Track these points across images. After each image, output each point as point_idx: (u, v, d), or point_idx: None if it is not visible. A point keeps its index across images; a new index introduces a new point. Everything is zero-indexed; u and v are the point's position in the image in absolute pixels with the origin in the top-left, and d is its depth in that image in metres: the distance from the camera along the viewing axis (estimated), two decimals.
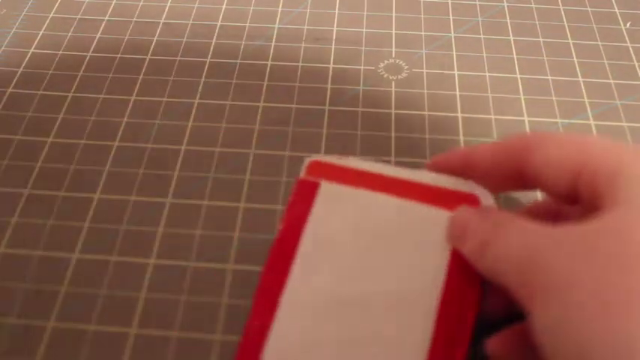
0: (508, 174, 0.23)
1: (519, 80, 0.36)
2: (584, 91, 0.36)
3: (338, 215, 0.25)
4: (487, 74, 0.36)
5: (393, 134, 0.33)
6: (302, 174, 0.26)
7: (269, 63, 0.37)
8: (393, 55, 0.38)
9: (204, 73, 0.37)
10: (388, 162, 0.32)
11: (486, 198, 0.25)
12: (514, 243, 0.20)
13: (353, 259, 0.24)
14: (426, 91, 0.36)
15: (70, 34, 0.39)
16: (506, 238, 0.20)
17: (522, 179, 0.23)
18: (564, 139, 0.21)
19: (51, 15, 0.41)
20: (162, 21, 0.40)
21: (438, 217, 0.25)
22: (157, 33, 0.39)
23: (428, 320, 0.23)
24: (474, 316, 0.23)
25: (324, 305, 0.23)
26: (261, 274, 0.24)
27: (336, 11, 0.41)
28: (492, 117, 0.34)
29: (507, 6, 0.41)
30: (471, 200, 0.25)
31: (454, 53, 0.38)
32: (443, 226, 0.24)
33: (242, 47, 0.38)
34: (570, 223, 0.19)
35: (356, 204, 0.25)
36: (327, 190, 0.26)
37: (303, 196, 0.26)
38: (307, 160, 0.26)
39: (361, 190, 0.26)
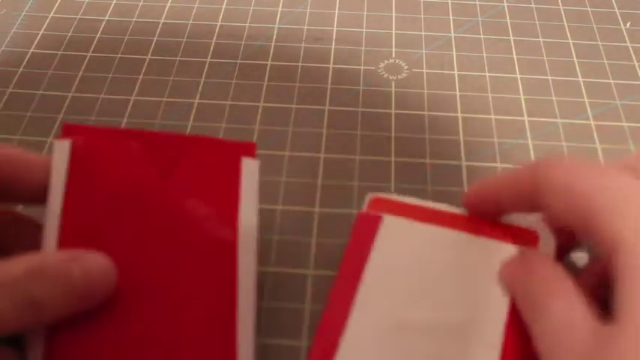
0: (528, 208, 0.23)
1: (519, 80, 0.36)
2: (584, 91, 0.36)
3: (401, 247, 0.26)
4: (487, 74, 0.36)
5: (393, 134, 0.33)
6: (364, 209, 0.27)
7: (269, 63, 0.37)
8: (393, 55, 0.38)
9: (204, 73, 0.37)
10: (388, 162, 0.32)
11: (546, 234, 0.25)
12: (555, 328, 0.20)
13: (416, 288, 0.25)
14: (426, 91, 0.36)
15: (70, 34, 0.39)
16: (549, 317, 0.20)
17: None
18: (570, 185, 0.21)
19: (51, 15, 0.41)
20: (162, 21, 0.40)
21: (499, 249, 0.25)
22: (157, 33, 0.39)
23: (493, 353, 0.23)
24: None
25: (386, 334, 0.24)
26: (327, 303, 0.25)
27: (336, 11, 0.41)
28: (492, 117, 0.34)
29: (507, 6, 0.41)
30: (532, 237, 0.25)
31: (454, 53, 0.38)
32: (504, 258, 0.25)
33: (242, 47, 0.38)
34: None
35: (418, 236, 0.26)
36: (390, 223, 0.26)
37: (366, 229, 0.26)
38: (369, 197, 0.27)
39: (423, 223, 0.26)
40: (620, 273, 0.19)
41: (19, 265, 0.19)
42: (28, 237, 0.23)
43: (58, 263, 0.20)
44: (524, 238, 0.25)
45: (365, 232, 0.26)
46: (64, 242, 0.22)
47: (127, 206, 0.23)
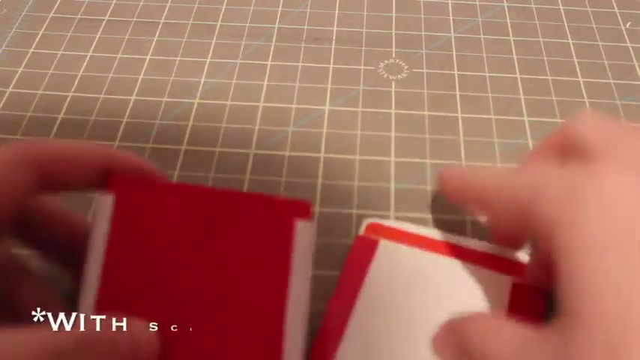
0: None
1: (519, 80, 0.36)
2: (584, 91, 0.36)
3: (395, 271, 0.27)
4: (487, 74, 0.36)
5: (393, 134, 0.33)
6: (361, 233, 0.28)
7: (269, 63, 0.37)
8: (393, 55, 0.38)
9: (204, 74, 0.37)
10: (388, 162, 0.32)
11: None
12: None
13: (409, 311, 0.25)
14: (426, 91, 0.36)
15: (70, 34, 0.39)
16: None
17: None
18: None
19: (51, 15, 0.41)
20: (162, 21, 0.40)
21: (489, 277, 0.26)
22: (157, 33, 0.39)
23: None
24: None
25: (379, 354, 0.24)
26: (323, 320, 0.25)
27: (336, 11, 0.41)
28: (492, 117, 0.34)
29: (507, 6, 0.41)
30: (518, 268, 0.26)
31: (454, 53, 0.38)
32: (493, 284, 0.26)
33: (242, 47, 0.38)
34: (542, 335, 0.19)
35: (412, 261, 0.27)
36: (386, 247, 0.27)
37: (363, 252, 0.27)
38: (366, 222, 0.28)
39: (417, 249, 0.27)
40: (559, 257, 0.19)
41: (68, 336, 0.18)
42: (25, 285, 0.23)
43: (107, 335, 0.19)
44: (512, 268, 0.26)
45: (362, 254, 0.27)
46: (101, 304, 0.21)
47: (168, 268, 0.21)
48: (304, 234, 0.22)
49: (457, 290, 0.26)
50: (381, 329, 0.25)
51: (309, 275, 0.22)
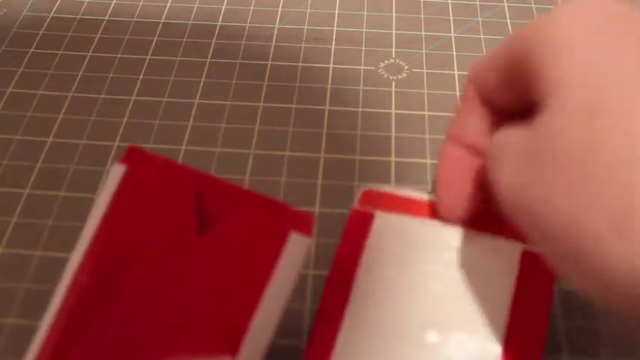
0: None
1: None
2: None
3: (394, 246, 0.25)
4: None
5: (393, 134, 0.33)
6: (356, 203, 0.26)
7: (269, 63, 0.37)
8: (393, 55, 0.38)
9: (204, 73, 0.37)
10: (388, 162, 0.32)
11: None
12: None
13: (410, 291, 0.24)
14: (426, 91, 0.36)
15: (70, 34, 0.39)
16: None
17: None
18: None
19: (51, 15, 0.41)
20: (162, 21, 0.40)
21: (499, 245, 0.24)
22: (157, 33, 0.39)
23: (494, 350, 0.22)
24: (542, 349, 0.22)
25: (379, 339, 0.23)
26: (320, 304, 0.24)
27: (336, 11, 0.41)
28: None
29: (507, 6, 0.41)
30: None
31: (454, 53, 0.38)
32: (503, 253, 0.24)
33: (242, 47, 0.38)
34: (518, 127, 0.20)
35: (412, 233, 0.25)
36: (383, 220, 0.25)
37: (358, 226, 0.25)
38: (360, 190, 0.26)
39: (418, 219, 0.25)
40: (536, 68, 0.19)
41: None
42: None
43: None
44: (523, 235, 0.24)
45: (357, 230, 0.25)
46: (82, 269, 0.21)
47: (151, 254, 0.21)
48: (295, 247, 0.21)
49: (464, 263, 0.24)
50: (380, 319, 0.23)
51: (288, 291, 0.21)
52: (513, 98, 0.22)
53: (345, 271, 0.24)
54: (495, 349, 0.22)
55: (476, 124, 0.23)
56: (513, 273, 0.24)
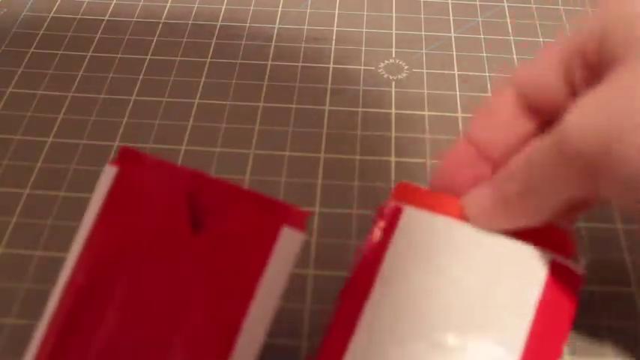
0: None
1: None
2: None
3: (421, 245, 0.24)
4: (487, 74, 0.36)
5: (393, 134, 0.33)
6: (389, 198, 0.25)
7: (269, 63, 0.37)
8: (393, 55, 0.38)
9: (204, 73, 0.37)
10: (388, 162, 0.32)
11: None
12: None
13: (435, 285, 0.23)
14: (426, 91, 0.36)
15: (70, 34, 0.39)
16: None
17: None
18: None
19: (51, 15, 0.41)
20: (162, 21, 0.40)
21: (527, 252, 0.23)
22: (157, 33, 0.39)
23: (511, 358, 0.22)
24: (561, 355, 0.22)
25: (400, 331, 0.22)
26: (340, 300, 0.23)
27: (336, 11, 0.41)
28: None
29: (507, 6, 0.41)
30: (562, 238, 0.24)
31: (454, 53, 0.38)
32: (532, 260, 0.23)
33: (242, 47, 0.38)
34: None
35: (439, 231, 0.24)
36: (412, 216, 0.24)
37: (386, 222, 0.24)
38: (397, 184, 0.25)
39: (444, 217, 0.24)
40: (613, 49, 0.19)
41: None
42: None
43: None
44: (555, 239, 0.23)
45: (384, 224, 0.24)
46: (81, 265, 0.21)
47: (143, 253, 0.20)
48: (288, 243, 0.20)
49: (490, 267, 0.23)
50: (399, 317, 0.23)
51: (282, 287, 0.20)
52: (564, 96, 0.22)
53: (368, 267, 0.23)
54: (513, 358, 0.22)
55: (507, 128, 0.23)
56: (540, 282, 0.23)
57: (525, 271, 0.23)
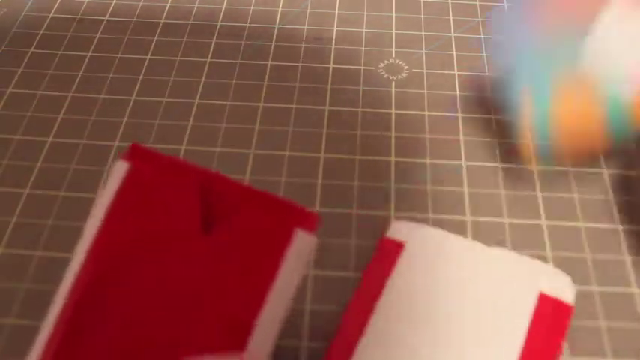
0: None
1: None
2: None
3: (421, 267, 0.25)
4: (487, 74, 0.37)
5: (393, 134, 0.33)
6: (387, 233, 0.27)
7: (269, 63, 0.37)
8: (393, 55, 0.38)
9: (204, 73, 0.37)
10: (388, 162, 0.32)
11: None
12: None
13: (434, 306, 0.24)
14: (426, 91, 0.36)
15: (70, 34, 0.39)
16: None
17: None
18: None
19: (51, 15, 0.41)
20: (162, 21, 0.40)
21: (522, 263, 0.25)
22: (157, 33, 0.39)
23: None
24: None
25: (400, 346, 0.23)
26: (342, 320, 0.24)
27: (336, 11, 0.41)
28: (492, 117, 0.34)
29: (507, 6, 0.41)
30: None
31: (454, 53, 0.38)
32: (527, 272, 0.24)
33: (242, 47, 0.38)
34: None
35: (440, 246, 0.25)
36: (412, 246, 0.26)
37: (387, 253, 0.26)
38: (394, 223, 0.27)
39: (445, 233, 0.26)
40: None
41: None
42: None
43: None
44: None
45: (386, 255, 0.26)
46: (89, 263, 0.21)
47: (154, 251, 0.20)
48: (301, 245, 0.21)
49: (486, 280, 0.24)
50: (399, 332, 0.24)
51: (294, 288, 0.21)
52: None
53: (370, 293, 0.25)
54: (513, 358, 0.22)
55: None
56: (534, 293, 0.24)
57: (520, 283, 0.24)
